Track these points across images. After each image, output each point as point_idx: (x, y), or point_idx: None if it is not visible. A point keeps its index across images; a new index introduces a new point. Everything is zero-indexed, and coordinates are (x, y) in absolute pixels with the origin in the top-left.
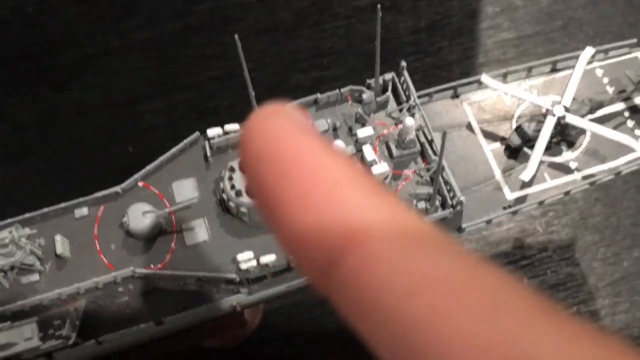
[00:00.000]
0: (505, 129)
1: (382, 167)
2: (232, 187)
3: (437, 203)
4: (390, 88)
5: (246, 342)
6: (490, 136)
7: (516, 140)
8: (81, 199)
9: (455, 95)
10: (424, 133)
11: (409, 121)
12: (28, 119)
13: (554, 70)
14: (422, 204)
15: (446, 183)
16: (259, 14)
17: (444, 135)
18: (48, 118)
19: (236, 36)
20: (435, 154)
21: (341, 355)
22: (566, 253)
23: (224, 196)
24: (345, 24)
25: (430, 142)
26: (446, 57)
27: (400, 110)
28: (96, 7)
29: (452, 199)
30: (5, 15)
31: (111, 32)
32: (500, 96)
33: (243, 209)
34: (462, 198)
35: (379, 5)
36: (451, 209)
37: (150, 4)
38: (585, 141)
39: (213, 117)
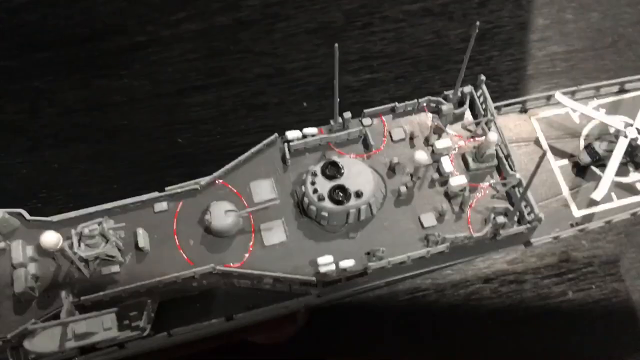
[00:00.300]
0: (573, 147)
1: (460, 180)
2: (315, 191)
3: (515, 218)
4: (468, 101)
5: (293, 339)
6: (557, 153)
7: (586, 159)
8: (161, 193)
9: (524, 110)
10: (500, 148)
11: (493, 136)
12: (76, 103)
13: (622, 91)
14: (501, 219)
15: (523, 199)
16: (309, 13)
17: (543, 155)
18: (96, 104)
19: (336, 45)
20: (511, 169)
21: (386, 356)
22: (611, 269)
23: (305, 199)
24: (395, 27)
25: (507, 157)
26: (496, 67)
27: (477, 124)
28: None
29: (528, 214)
30: None
31: (161, 21)
32: (568, 113)
33: (324, 213)
34: (541, 215)
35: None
36: (528, 225)
37: None
38: None
39: (261, 114)
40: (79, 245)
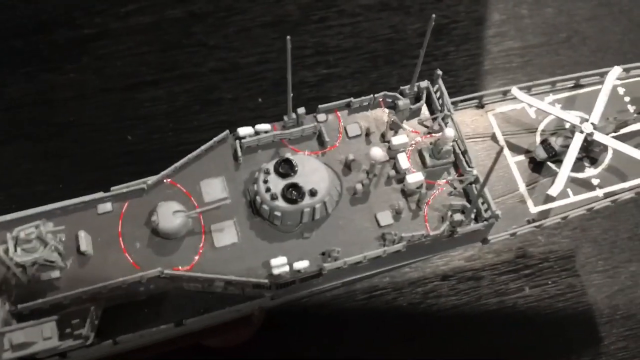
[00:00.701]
0: (529, 142)
1: (416, 177)
2: (267, 189)
3: (472, 216)
4: (424, 96)
5: (249, 342)
6: (514, 148)
7: (542, 154)
8: (105, 194)
9: (480, 105)
10: (457, 144)
11: (449, 132)
12: (20, 98)
13: (577, 85)
14: (458, 216)
15: (480, 196)
16: (263, 6)
17: (500, 151)
18: (41, 99)
19: (288, 38)
20: (469, 165)
21: (345, 357)
22: (567, 264)
23: (258, 198)
24: (351, 21)
25: (464, 153)
26: (453, 62)
27: (434, 120)
28: None
29: (485, 211)
30: None
31: (110, 13)
32: (524, 108)
33: (277, 213)
34: (499, 212)
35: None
36: (485, 222)
37: None
38: (607, 158)
39: (215, 109)
40: (15, 250)
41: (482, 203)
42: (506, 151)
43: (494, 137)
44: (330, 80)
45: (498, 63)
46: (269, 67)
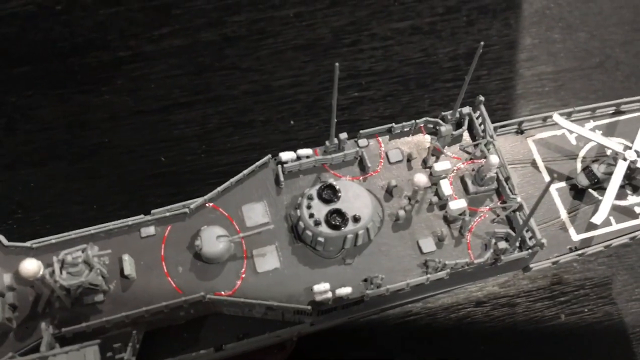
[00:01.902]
0: (570, 169)
1: (459, 203)
2: (311, 215)
3: (517, 244)
4: (466, 122)
5: None
6: (554, 175)
7: (584, 182)
8: (148, 217)
9: (520, 131)
10: (500, 170)
11: (494, 159)
12: (55, 120)
13: (618, 112)
14: (502, 244)
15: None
16: (296, 30)
17: (550, 183)
18: (76, 121)
19: (336, 65)
20: (512, 192)
21: None
22: (603, 292)
23: (301, 224)
24: (383, 45)
25: (507, 180)
26: (485, 86)
27: (476, 146)
28: (129, 10)
29: (530, 239)
30: (32, 10)
31: (144, 36)
32: (564, 134)
33: (320, 239)
34: (544, 240)
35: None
36: (529, 250)
37: (185, 11)
38: None
39: (248, 132)
40: (61, 274)
41: (527, 231)
42: (547, 178)
43: (534, 164)
44: (362, 103)
45: (530, 87)
46: (301, 89)
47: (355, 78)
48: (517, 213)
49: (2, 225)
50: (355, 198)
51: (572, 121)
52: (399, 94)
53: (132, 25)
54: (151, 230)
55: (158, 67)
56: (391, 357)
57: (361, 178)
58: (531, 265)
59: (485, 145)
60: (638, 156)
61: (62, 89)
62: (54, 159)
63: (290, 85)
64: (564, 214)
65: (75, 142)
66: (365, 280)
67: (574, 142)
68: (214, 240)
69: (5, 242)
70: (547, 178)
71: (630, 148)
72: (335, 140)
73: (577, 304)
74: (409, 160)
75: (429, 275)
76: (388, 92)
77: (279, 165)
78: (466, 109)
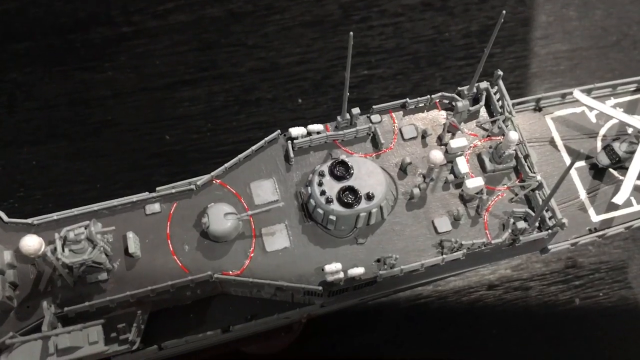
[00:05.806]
0: (590, 147)
1: (476, 182)
2: (322, 193)
3: (536, 224)
4: (484, 98)
5: (288, 349)
6: (573, 153)
7: (605, 161)
8: (152, 194)
9: (538, 109)
10: (518, 148)
11: (514, 135)
12: (57, 97)
13: (639, 89)
14: (521, 224)
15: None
16: (304, 5)
17: (573, 162)
18: (78, 98)
19: (351, 34)
20: (531, 170)
21: None
22: (619, 275)
23: (312, 201)
24: (393, 22)
25: (526, 158)
26: (498, 65)
27: (494, 122)
28: None
29: (549, 219)
30: None
31: (148, 11)
32: (584, 112)
33: (332, 217)
34: (565, 220)
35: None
36: (549, 231)
37: None
38: None
39: (254, 110)
40: (63, 251)
41: (546, 210)
42: (566, 157)
43: (552, 142)
44: (371, 81)
45: (545, 66)
46: (309, 67)
47: (364, 56)
48: (537, 192)
49: (4, 203)
50: (369, 175)
51: (592, 98)
52: (409, 72)
53: (135, 0)
54: (156, 207)
55: (162, 43)
56: (401, 340)
57: (374, 155)
58: (549, 247)
59: (504, 121)
60: None
61: (64, 65)
62: (56, 137)
63: (297, 63)
64: (583, 194)
65: (78, 120)
66: (378, 260)
67: (593, 119)
68: (221, 217)
69: (5, 218)
70: (566, 156)
71: None
72: (347, 116)
73: (592, 287)
74: (423, 137)
75: (444, 256)
76: (398, 70)
77: (289, 141)
78: (484, 84)
